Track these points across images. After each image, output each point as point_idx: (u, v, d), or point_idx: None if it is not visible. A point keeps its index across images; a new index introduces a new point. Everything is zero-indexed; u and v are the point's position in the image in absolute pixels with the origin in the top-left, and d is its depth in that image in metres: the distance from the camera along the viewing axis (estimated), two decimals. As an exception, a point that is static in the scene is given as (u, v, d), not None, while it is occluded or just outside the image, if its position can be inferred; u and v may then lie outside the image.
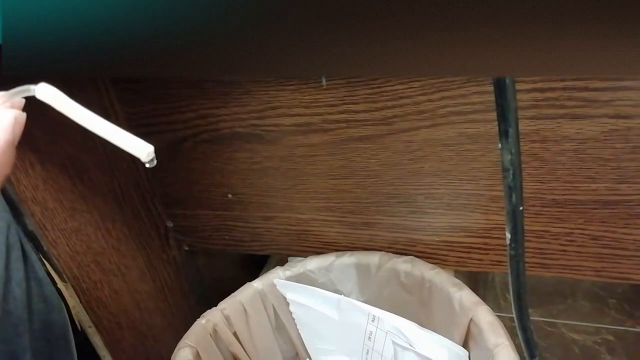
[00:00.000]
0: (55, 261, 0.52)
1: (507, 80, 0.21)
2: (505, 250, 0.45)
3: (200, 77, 0.49)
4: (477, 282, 0.84)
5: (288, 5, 0.15)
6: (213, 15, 0.16)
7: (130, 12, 0.18)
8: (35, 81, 0.23)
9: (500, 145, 0.23)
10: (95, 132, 0.21)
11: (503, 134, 0.22)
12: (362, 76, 0.47)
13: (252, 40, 0.17)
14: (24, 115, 0.22)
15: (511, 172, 0.23)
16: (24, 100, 0.22)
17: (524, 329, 0.30)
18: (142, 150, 0.21)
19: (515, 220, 0.24)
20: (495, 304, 0.85)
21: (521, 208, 0.24)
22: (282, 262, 0.73)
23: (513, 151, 0.23)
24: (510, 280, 0.28)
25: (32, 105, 0.24)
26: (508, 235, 0.26)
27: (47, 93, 0.21)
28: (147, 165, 0.21)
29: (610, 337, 0.78)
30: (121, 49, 0.20)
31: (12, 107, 0.22)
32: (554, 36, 0.15)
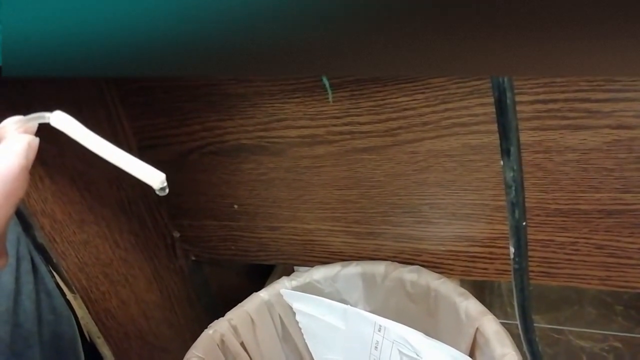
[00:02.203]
0: (65, 273, 0.53)
1: (508, 101, 0.21)
2: (510, 259, 0.45)
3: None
4: (483, 290, 0.84)
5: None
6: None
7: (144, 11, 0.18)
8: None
9: (502, 163, 0.23)
10: (108, 160, 0.22)
11: (505, 152, 0.23)
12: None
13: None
14: (36, 140, 0.22)
15: (513, 188, 0.24)
16: (37, 125, 0.23)
17: (529, 341, 0.30)
18: (155, 178, 0.21)
19: (519, 234, 0.25)
20: (501, 311, 0.85)
21: (524, 223, 0.24)
22: (287, 271, 0.74)
23: (515, 168, 0.23)
24: (514, 293, 0.28)
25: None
26: (512, 250, 0.26)
27: (61, 121, 0.22)
28: (159, 193, 0.22)
29: (618, 344, 0.77)
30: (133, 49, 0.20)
31: (26, 132, 0.22)
32: (554, 35, 0.15)
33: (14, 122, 0.22)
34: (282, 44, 0.18)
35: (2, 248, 0.23)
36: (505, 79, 0.21)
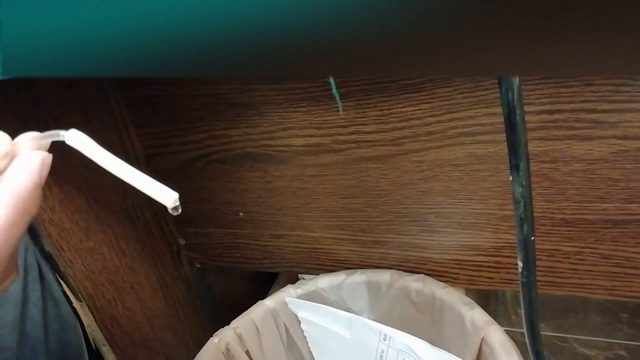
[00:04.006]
0: (71, 281, 0.53)
1: (518, 118, 0.21)
2: (516, 268, 0.45)
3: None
4: (488, 297, 0.84)
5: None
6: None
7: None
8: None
9: (511, 178, 0.24)
10: (121, 178, 0.22)
11: (514, 168, 0.23)
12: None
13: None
14: (50, 156, 0.23)
15: (522, 203, 0.24)
16: (50, 142, 0.23)
17: (537, 354, 0.30)
18: (168, 197, 0.21)
19: (527, 249, 0.25)
20: (506, 319, 0.85)
21: (532, 238, 0.25)
22: (291, 278, 0.74)
23: (524, 184, 0.23)
24: (522, 306, 0.28)
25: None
26: (520, 264, 0.26)
27: (76, 139, 0.22)
28: (172, 212, 0.22)
29: (623, 353, 0.77)
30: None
31: (39, 149, 0.23)
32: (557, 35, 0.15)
33: (28, 139, 0.22)
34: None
35: (14, 263, 0.24)
36: (515, 96, 0.21)
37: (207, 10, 0.18)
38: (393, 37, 0.17)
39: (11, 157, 0.22)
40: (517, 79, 0.21)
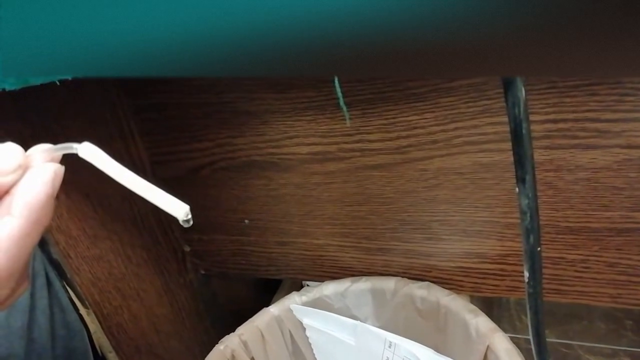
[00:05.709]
0: (78, 288, 0.53)
1: (524, 131, 0.22)
2: (521, 275, 0.45)
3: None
4: (492, 304, 0.84)
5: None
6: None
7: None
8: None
9: (517, 190, 0.24)
10: (133, 191, 0.22)
11: (520, 180, 0.23)
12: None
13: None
14: (62, 168, 0.23)
15: (528, 214, 0.24)
16: (62, 154, 0.23)
17: (543, 363, 0.30)
18: (179, 209, 0.22)
19: (533, 260, 0.25)
20: (510, 325, 0.85)
21: (539, 249, 0.25)
22: (295, 285, 0.74)
23: (530, 196, 0.23)
24: (529, 317, 0.28)
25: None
26: (526, 274, 0.26)
27: (89, 152, 0.22)
28: (183, 225, 0.22)
29: (628, 360, 0.77)
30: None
31: (52, 160, 0.23)
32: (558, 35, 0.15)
33: (41, 151, 0.23)
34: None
35: (26, 273, 0.24)
36: (521, 110, 0.21)
37: (211, 8, 0.18)
38: (402, 37, 0.17)
39: (24, 168, 0.22)
40: (524, 93, 0.21)
